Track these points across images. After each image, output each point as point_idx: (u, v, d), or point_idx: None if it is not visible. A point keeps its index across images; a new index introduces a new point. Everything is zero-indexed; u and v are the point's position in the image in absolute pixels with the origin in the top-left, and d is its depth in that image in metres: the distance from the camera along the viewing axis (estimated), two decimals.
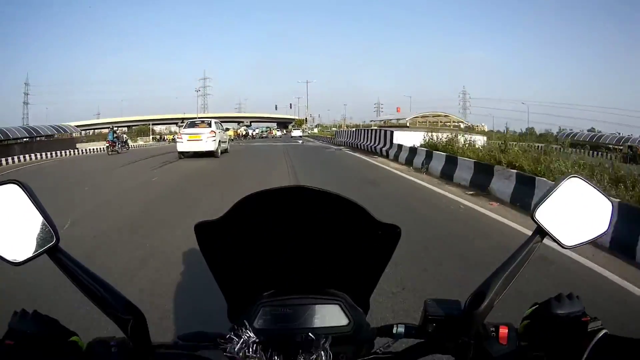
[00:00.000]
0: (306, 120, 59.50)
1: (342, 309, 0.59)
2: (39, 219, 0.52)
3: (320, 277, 0.63)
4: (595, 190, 0.58)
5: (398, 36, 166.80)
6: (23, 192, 0.52)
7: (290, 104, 60.96)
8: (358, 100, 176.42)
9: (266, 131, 60.16)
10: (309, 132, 59.88)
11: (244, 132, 51.68)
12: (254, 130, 61.15)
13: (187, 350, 0.59)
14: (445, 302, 0.59)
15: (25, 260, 0.53)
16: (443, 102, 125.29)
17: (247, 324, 0.55)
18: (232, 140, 28.46)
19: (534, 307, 0.56)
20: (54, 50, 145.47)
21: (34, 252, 0.52)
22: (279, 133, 64.57)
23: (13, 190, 0.52)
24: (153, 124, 76.18)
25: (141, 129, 67.14)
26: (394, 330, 0.60)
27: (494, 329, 0.55)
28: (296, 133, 50.58)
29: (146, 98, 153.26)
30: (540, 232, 0.57)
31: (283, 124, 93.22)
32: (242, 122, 78.87)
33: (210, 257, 0.61)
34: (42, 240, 0.53)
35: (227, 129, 25.44)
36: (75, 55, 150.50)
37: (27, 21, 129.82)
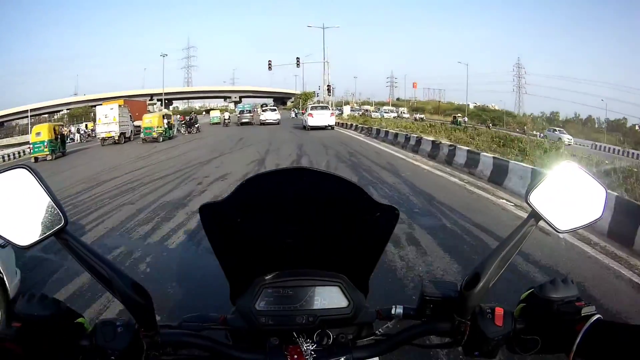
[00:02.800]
0: (329, 90, 36.98)
1: (341, 290, 0.61)
2: (48, 203, 0.55)
3: (320, 259, 0.65)
4: (589, 177, 0.60)
5: None
6: (32, 177, 0.54)
7: (298, 59, 39.61)
8: (368, 74, 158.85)
9: (249, 111, 33.77)
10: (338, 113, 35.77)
11: (226, 117, 34.52)
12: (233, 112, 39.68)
13: (191, 330, 0.61)
14: (442, 282, 0.62)
15: (33, 243, 0.55)
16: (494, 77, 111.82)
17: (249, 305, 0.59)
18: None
19: (529, 291, 0.58)
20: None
21: (43, 235, 0.55)
22: (292, 114, 43.74)
23: (23, 175, 0.54)
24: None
25: (78, 112, 59.72)
26: (393, 312, 0.63)
27: (489, 310, 0.58)
28: (320, 118, 23.05)
29: (113, 73, 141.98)
30: (535, 215, 0.58)
31: (280, 99, 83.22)
32: (229, 97, 75.30)
33: (213, 238, 0.64)
34: (50, 223, 0.55)
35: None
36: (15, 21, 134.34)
37: None
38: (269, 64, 38.82)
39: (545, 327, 0.55)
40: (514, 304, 0.60)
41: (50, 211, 0.55)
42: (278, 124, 29.95)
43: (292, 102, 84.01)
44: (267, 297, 0.61)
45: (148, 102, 76.72)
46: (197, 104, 79.50)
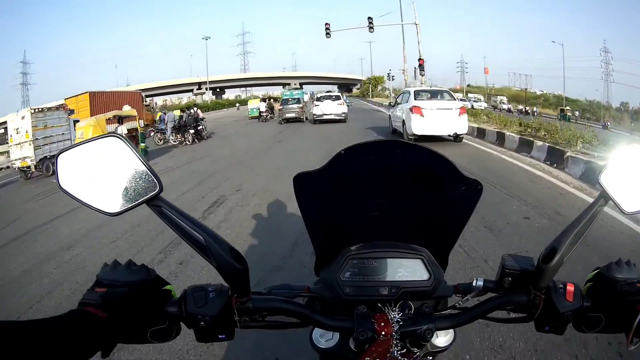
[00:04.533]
0: (421, 67, 24.13)
1: (424, 263, 0.63)
2: (141, 170, 0.55)
3: (404, 231, 0.65)
4: None
5: None
6: (125, 144, 0.55)
7: (370, 20, 24.02)
8: (435, 58, 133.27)
9: (297, 100, 20.25)
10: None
11: (263, 109, 22.58)
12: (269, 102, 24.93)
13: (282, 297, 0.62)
14: (520, 257, 0.62)
15: (123, 210, 0.56)
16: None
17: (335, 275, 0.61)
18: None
19: (596, 271, 0.61)
20: (49, 17, 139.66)
21: (135, 202, 0.55)
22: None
23: (114, 142, 0.55)
24: (157, 94, 67.51)
25: None
26: (474, 283, 0.63)
27: (562, 286, 0.59)
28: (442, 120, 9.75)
29: (161, 63, 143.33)
30: (605, 196, 0.60)
31: (345, 86, 77.89)
32: (288, 84, 64.94)
33: (305, 207, 0.64)
34: (144, 190, 0.55)
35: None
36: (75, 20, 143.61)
37: None
38: (327, 29, 24.87)
39: (609, 306, 0.58)
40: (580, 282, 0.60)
41: (145, 178, 0.55)
42: (344, 121, 17.48)
43: (357, 89, 72.58)
44: (352, 268, 0.62)
45: (195, 90, 72.17)
46: (259, 92, 71.19)
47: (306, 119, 19.38)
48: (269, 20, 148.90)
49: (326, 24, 25.00)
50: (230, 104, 57.45)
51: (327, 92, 22.87)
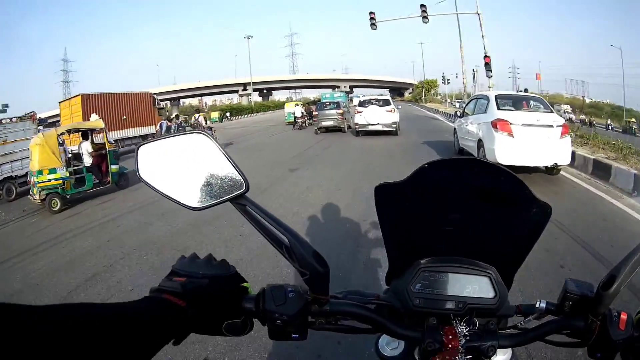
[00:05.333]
0: (487, 66, 19.20)
1: (491, 282, 0.63)
2: (228, 168, 0.58)
3: (474, 248, 0.66)
4: None
5: None
6: (212, 142, 0.57)
7: (423, 7, 20.31)
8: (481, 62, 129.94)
9: (336, 105, 16.65)
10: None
11: (299, 114, 20.06)
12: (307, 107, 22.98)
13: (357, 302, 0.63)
14: (581, 282, 0.62)
15: (207, 206, 0.58)
16: None
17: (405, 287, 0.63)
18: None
19: None
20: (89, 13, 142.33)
21: (220, 199, 0.58)
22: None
23: (202, 140, 0.57)
24: (202, 94, 67.20)
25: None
26: (537, 305, 0.64)
27: (616, 313, 0.60)
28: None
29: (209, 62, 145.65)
30: None
31: (397, 90, 74.03)
32: (338, 86, 62.14)
33: (383, 218, 0.65)
34: (230, 188, 0.58)
35: None
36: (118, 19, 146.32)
37: None
38: (372, 20, 20.93)
39: None
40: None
41: (231, 176, 0.57)
42: (395, 133, 13.78)
43: (409, 93, 68.17)
44: (423, 280, 0.63)
45: (240, 92, 72.28)
46: (310, 95, 69.81)
47: (349, 127, 15.98)
48: (317, 22, 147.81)
49: (371, 13, 21.15)
50: (277, 106, 56.29)
51: (378, 94, 18.51)
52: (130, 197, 7.61)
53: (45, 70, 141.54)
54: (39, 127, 10.45)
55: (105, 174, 8.29)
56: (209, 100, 78.94)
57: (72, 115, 15.04)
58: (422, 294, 0.62)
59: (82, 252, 4.68)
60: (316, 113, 16.91)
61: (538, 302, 0.64)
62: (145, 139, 9.34)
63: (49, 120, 22.17)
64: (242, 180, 0.57)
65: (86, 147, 8.16)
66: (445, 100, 47.68)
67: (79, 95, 15.83)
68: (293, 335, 0.58)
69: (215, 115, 51.24)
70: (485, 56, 20.03)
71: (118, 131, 15.88)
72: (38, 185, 7.18)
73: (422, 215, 0.65)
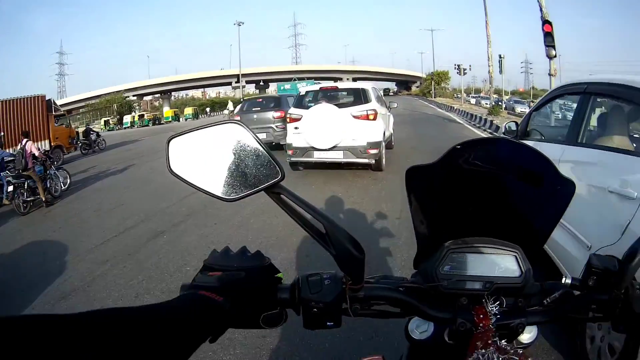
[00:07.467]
0: (548, 35, 12.60)
1: (517, 260, 0.65)
2: (264, 157, 0.57)
3: (500, 227, 0.68)
4: None
5: None
6: (245, 130, 0.57)
7: None
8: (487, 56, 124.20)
9: (270, 101, 10.90)
10: None
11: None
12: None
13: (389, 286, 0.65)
14: (605, 256, 0.65)
15: (241, 196, 0.58)
16: None
17: (434, 268, 0.64)
18: None
19: None
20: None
21: (255, 189, 0.57)
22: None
23: (236, 129, 0.57)
24: (194, 87, 63.09)
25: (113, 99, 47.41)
26: (563, 281, 0.66)
27: (639, 286, 0.61)
28: None
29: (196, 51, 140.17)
30: None
31: (404, 83, 72.24)
32: (340, 78, 59.93)
33: (414, 201, 0.67)
34: (265, 176, 0.57)
35: None
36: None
37: None
38: None
39: None
40: None
41: (266, 165, 0.57)
42: (377, 168, 6.80)
43: (417, 86, 66.56)
44: (451, 261, 0.65)
45: (234, 84, 69.08)
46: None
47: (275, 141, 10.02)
48: (321, 13, 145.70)
49: None
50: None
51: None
52: None
53: (40, 63, 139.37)
54: None
55: None
56: (212, 93, 77.04)
57: None
58: (450, 275, 0.64)
59: None
60: (238, 118, 10.04)
61: (564, 279, 0.65)
62: (36, 159, 6.77)
63: None
64: (277, 168, 0.57)
65: None
66: (461, 95, 40.18)
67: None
68: (328, 323, 0.59)
69: (189, 111, 48.40)
70: (546, 22, 13.28)
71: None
72: None
73: (451, 197, 0.66)
